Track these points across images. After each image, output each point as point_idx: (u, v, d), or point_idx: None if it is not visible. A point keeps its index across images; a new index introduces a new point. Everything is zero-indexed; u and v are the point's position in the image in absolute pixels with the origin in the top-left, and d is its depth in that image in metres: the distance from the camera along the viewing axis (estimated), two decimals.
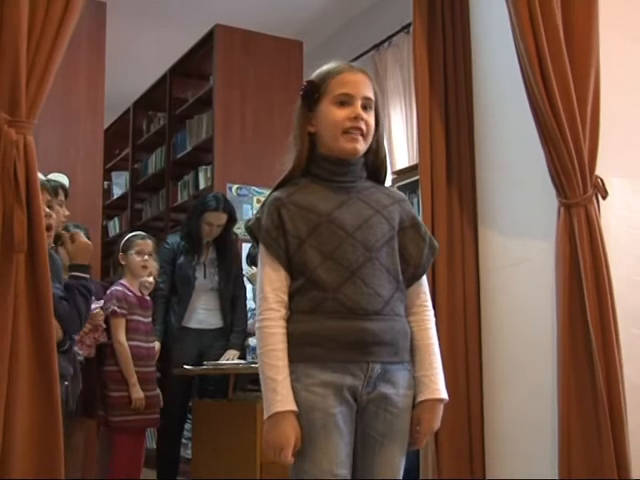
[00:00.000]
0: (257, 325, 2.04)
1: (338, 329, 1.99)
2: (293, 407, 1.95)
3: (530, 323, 3.32)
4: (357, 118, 2.05)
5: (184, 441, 5.14)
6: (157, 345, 4.63)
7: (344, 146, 2.06)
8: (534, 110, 3.10)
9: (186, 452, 5.24)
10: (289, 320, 2.03)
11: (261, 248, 2.08)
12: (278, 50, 6.37)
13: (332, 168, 2.10)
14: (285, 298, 2.04)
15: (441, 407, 2.10)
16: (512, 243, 3.43)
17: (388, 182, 6.13)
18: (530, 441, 3.28)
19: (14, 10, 2.54)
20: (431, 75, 3.56)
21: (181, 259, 4.91)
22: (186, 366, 4.48)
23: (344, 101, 2.06)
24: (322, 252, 2.02)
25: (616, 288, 3.03)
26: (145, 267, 4.48)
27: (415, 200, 5.41)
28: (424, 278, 2.17)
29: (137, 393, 4.24)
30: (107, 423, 4.30)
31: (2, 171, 2.51)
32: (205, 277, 4.92)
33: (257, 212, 2.13)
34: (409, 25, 4.27)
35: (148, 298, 4.56)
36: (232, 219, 4.94)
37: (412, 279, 2.13)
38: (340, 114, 2.05)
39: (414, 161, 5.48)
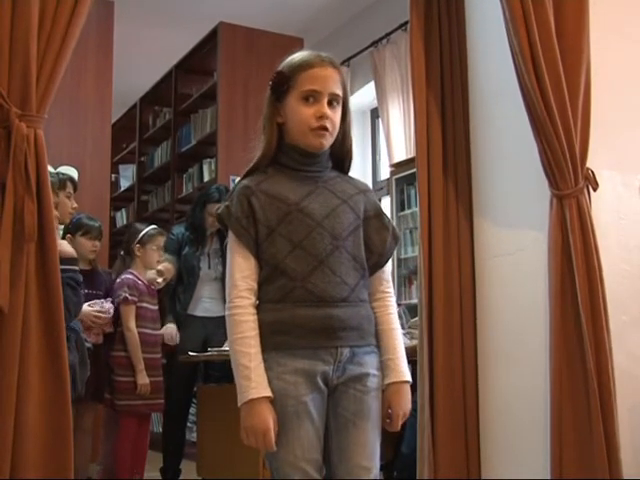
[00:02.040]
0: (227, 312, 2.05)
1: (307, 317, 2.00)
2: (268, 393, 1.96)
3: (523, 310, 3.35)
4: (322, 117, 2.05)
5: (189, 425, 5.20)
6: (171, 330, 4.69)
7: (311, 142, 2.07)
8: (527, 104, 3.12)
9: (191, 435, 5.32)
10: (258, 309, 2.04)
11: (231, 236, 2.07)
12: (280, 47, 6.35)
13: (300, 158, 2.11)
14: (255, 286, 2.04)
15: (408, 389, 2.12)
16: (506, 233, 3.44)
17: (386, 174, 6.22)
18: (524, 425, 3.31)
19: (25, 8, 2.56)
20: (428, 71, 3.57)
21: (186, 249, 4.97)
22: (191, 352, 4.56)
23: (311, 97, 2.06)
24: (291, 241, 2.03)
25: (606, 276, 3.05)
26: (160, 262, 4.60)
27: (412, 192, 5.49)
28: (387, 266, 2.20)
29: (143, 379, 4.32)
30: (113, 407, 4.39)
31: (14, 164, 2.52)
32: (209, 267, 4.98)
33: (226, 200, 2.12)
34: (406, 23, 4.31)
35: (154, 286, 4.66)
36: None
37: (375, 267, 2.16)
38: (306, 112, 2.05)
39: (411, 154, 5.49)
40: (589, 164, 3.16)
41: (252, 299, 2.04)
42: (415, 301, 3.51)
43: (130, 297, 4.37)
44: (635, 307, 3.26)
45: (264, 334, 2.02)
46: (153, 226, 4.80)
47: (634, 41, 3.41)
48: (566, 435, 3.02)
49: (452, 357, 3.46)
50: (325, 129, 2.07)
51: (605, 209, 3.26)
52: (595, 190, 3.17)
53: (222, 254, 4.99)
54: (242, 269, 2.04)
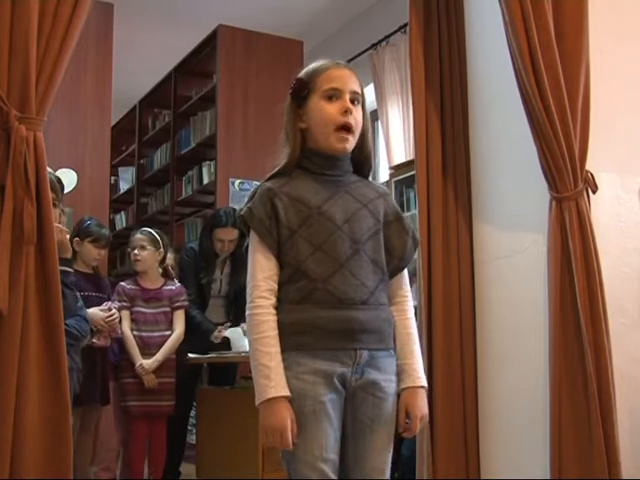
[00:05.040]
0: (248, 312, 2.06)
1: (327, 318, 2.02)
2: (286, 392, 1.97)
3: (523, 313, 3.35)
4: (347, 112, 2.07)
5: (189, 427, 5.19)
6: (177, 334, 4.60)
7: (335, 145, 2.09)
8: (527, 107, 3.13)
9: (191, 438, 5.31)
10: (278, 310, 2.05)
11: (253, 237, 2.10)
12: (279, 49, 6.39)
13: (322, 162, 2.13)
14: (275, 286, 2.06)
15: (424, 393, 2.13)
16: (505, 235, 3.45)
17: (385, 177, 6.22)
18: (523, 427, 3.32)
19: (25, 10, 2.56)
20: (427, 73, 3.58)
21: (199, 274, 4.91)
22: (191, 354, 4.56)
23: (333, 95, 2.09)
24: (312, 243, 2.05)
25: (605, 279, 3.06)
26: (136, 260, 4.56)
27: (412, 194, 5.48)
28: (406, 270, 2.21)
29: (140, 370, 4.38)
30: (124, 409, 4.44)
31: (13, 166, 2.52)
32: (219, 292, 4.95)
33: (248, 201, 2.15)
34: (406, 25, 4.31)
35: (174, 287, 4.62)
36: (244, 233, 4.87)
37: (395, 270, 2.17)
38: (331, 109, 2.08)
39: (411, 157, 5.49)
40: (588, 166, 3.17)
41: (272, 299, 2.05)
42: (414, 303, 3.53)
43: (119, 304, 4.41)
44: (634, 310, 3.26)
45: (284, 334, 2.03)
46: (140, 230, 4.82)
47: (633, 44, 3.42)
48: (565, 437, 3.02)
49: (451, 359, 3.47)
50: (349, 127, 2.09)
51: (604, 212, 3.27)
52: (594, 193, 3.18)
53: (230, 280, 4.93)
54: (264, 269, 2.06)
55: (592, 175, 3.16)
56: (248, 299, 2.07)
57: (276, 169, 2.15)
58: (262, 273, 2.06)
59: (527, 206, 3.40)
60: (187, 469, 4.92)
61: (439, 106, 3.61)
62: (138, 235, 4.62)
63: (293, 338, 2.02)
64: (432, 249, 3.50)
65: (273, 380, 1.97)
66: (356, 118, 2.11)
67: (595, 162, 3.20)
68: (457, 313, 3.52)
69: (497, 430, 3.44)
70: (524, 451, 3.32)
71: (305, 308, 2.03)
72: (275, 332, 2.02)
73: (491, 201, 3.56)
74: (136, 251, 4.55)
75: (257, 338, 2.03)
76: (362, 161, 2.21)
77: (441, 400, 3.42)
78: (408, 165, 5.38)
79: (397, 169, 5.82)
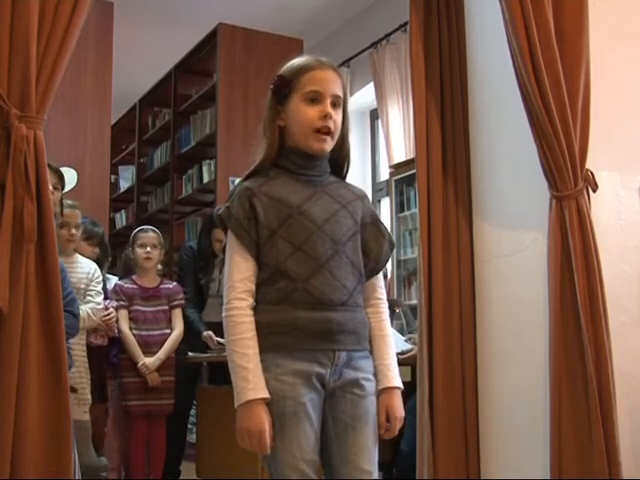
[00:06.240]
0: (224, 314, 2.05)
1: (306, 319, 2.02)
2: (265, 394, 1.97)
3: (523, 311, 3.34)
4: (326, 117, 2.06)
5: (189, 426, 5.20)
6: (177, 332, 4.62)
7: (313, 145, 2.09)
8: (527, 105, 3.12)
9: (190, 436, 5.32)
10: (256, 311, 2.04)
11: (231, 237, 2.08)
12: (279, 48, 6.43)
13: (300, 161, 2.12)
14: (253, 287, 2.05)
15: (400, 394, 2.14)
16: (506, 234, 3.44)
17: (385, 175, 6.22)
18: (523, 426, 3.31)
19: (25, 9, 2.55)
20: (427, 71, 3.57)
21: (198, 274, 4.93)
22: (190, 353, 4.57)
23: (314, 98, 2.08)
24: (292, 244, 2.04)
25: (605, 278, 3.05)
26: (148, 259, 4.57)
27: (412, 193, 5.49)
28: (381, 272, 2.22)
29: (144, 369, 4.39)
30: (124, 408, 4.45)
31: (13, 165, 2.52)
32: (218, 292, 4.94)
33: (227, 201, 2.13)
34: (406, 24, 4.31)
35: (171, 286, 4.65)
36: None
37: (371, 273, 2.18)
38: (310, 112, 2.07)
39: (411, 155, 5.51)
40: (588, 165, 3.16)
41: (250, 300, 2.05)
42: (414, 302, 3.51)
43: (117, 303, 4.43)
44: (635, 308, 3.25)
45: (262, 335, 2.02)
46: (141, 227, 4.83)
47: (633, 42, 3.41)
48: (566, 436, 3.02)
49: (452, 358, 3.47)
50: (328, 131, 2.08)
51: (605, 210, 3.26)
52: (595, 191, 3.17)
53: None
54: (241, 270, 2.05)
55: (592, 174, 3.15)
56: (225, 300, 2.06)
57: (253, 166, 2.15)
58: (239, 274, 2.05)
59: (527, 205, 3.39)
60: (187, 468, 4.93)
61: (439, 104, 3.60)
62: (151, 233, 4.65)
63: (271, 339, 2.02)
64: (432, 247, 3.50)
65: (251, 382, 1.96)
66: (336, 121, 2.10)
67: (595, 160, 3.19)
68: (457, 311, 3.51)
69: (497, 430, 3.43)
70: (524, 451, 3.31)
71: (283, 309, 2.03)
72: (252, 333, 2.01)
73: (491, 200, 3.55)
74: (149, 249, 4.57)
75: (234, 340, 2.02)
76: (341, 162, 2.21)
77: (441, 399, 3.42)
78: (408, 164, 5.39)
79: (397, 168, 5.83)
